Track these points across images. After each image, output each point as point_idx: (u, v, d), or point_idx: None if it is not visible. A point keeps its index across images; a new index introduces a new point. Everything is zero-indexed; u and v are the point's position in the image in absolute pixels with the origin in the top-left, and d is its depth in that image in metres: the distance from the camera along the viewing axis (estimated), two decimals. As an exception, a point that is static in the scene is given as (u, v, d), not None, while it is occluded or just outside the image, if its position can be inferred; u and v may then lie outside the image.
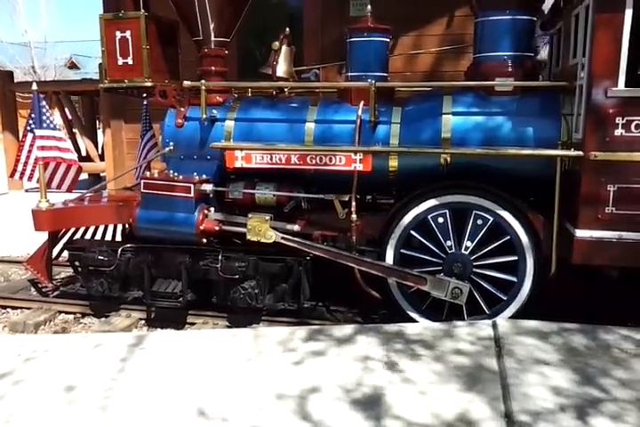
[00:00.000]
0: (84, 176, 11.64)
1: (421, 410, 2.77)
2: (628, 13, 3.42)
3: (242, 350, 3.49)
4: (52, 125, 4.81)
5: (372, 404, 2.84)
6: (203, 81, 4.49)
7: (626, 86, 3.51)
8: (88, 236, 5.26)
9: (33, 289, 5.50)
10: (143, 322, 4.84)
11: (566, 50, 4.21)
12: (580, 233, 3.67)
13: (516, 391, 2.89)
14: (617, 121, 3.53)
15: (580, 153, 3.63)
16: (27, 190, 10.23)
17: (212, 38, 4.63)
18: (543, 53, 5.45)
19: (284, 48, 4.62)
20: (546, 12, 4.81)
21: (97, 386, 3.07)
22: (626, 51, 3.46)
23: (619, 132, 3.54)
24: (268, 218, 4.28)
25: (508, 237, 4.00)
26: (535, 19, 4.20)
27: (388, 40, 4.43)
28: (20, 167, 4.88)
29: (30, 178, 4.96)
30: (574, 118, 3.82)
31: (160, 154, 4.86)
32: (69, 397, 2.98)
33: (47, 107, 4.90)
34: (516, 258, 4.01)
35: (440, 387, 2.97)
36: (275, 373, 3.17)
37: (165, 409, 2.84)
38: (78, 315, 5.02)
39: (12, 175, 5.02)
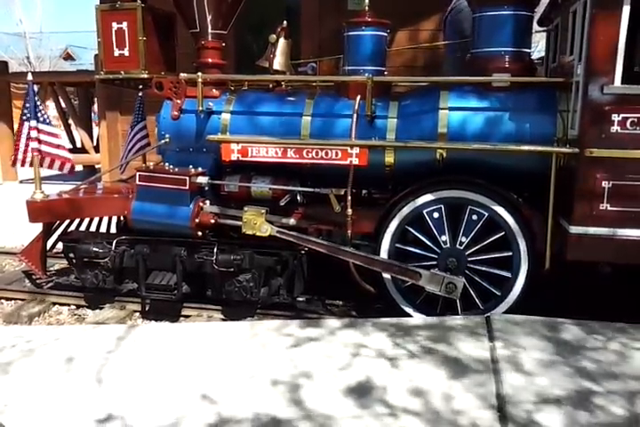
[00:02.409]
0: (79, 168, 11.63)
1: (413, 400, 2.79)
2: (626, 10, 3.42)
3: (239, 339, 3.51)
4: (47, 120, 4.80)
5: (363, 391, 2.87)
6: (199, 73, 4.48)
7: (622, 83, 3.51)
8: (83, 227, 5.26)
9: (27, 281, 5.48)
10: (138, 314, 4.84)
11: (563, 46, 4.22)
12: (575, 229, 3.69)
13: (509, 385, 2.91)
14: (613, 118, 3.54)
15: (576, 150, 3.64)
16: (21, 181, 10.18)
17: (209, 30, 4.61)
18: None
19: (281, 41, 4.60)
20: (543, 7, 4.81)
21: (94, 375, 3.08)
22: (623, 47, 3.47)
23: (614, 128, 3.55)
24: (263, 211, 4.27)
25: (503, 233, 4.02)
26: (532, 14, 4.21)
27: (385, 34, 4.42)
28: (20, 156, 4.86)
29: (29, 164, 4.95)
30: (570, 115, 3.83)
31: (155, 146, 4.85)
32: (64, 387, 2.99)
33: (40, 99, 4.87)
34: (510, 253, 4.03)
35: (433, 379, 2.99)
36: (270, 359, 3.21)
37: (169, 392, 2.86)
38: (72, 306, 5.01)
39: (13, 164, 5.00)
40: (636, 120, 3.51)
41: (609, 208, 3.62)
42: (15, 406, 2.83)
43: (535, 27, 4.80)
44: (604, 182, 3.60)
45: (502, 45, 4.09)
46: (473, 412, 2.70)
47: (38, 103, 4.79)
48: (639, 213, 3.59)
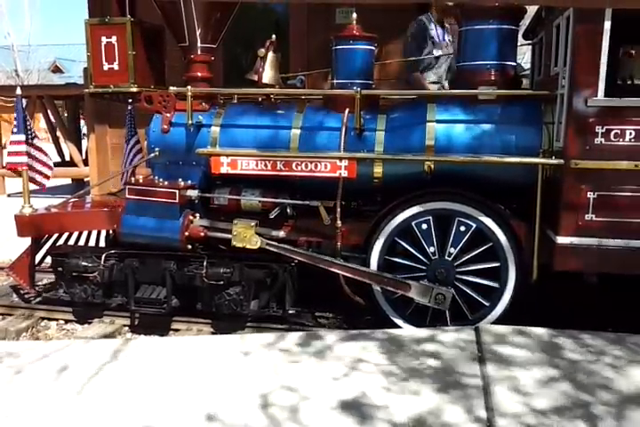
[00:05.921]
0: (67, 181, 11.58)
1: (402, 413, 2.79)
2: (607, 25, 3.49)
3: (229, 352, 3.50)
4: (33, 135, 4.79)
5: (353, 405, 2.87)
6: (189, 87, 4.50)
7: (605, 96, 3.58)
8: (72, 242, 5.23)
9: (15, 295, 5.43)
10: (127, 328, 4.81)
11: (548, 59, 4.29)
12: (561, 240, 3.73)
13: (497, 396, 2.91)
14: (597, 130, 3.60)
15: (561, 161, 3.69)
16: (9, 195, 10.12)
17: (199, 44, 4.64)
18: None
19: (270, 55, 4.64)
20: (528, 21, 4.89)
21: (85, 390, 3.05)
22: (605, 61, 3.53)
23: (598, 140, 3.60)
24: (253, 224, 4.28)
25: (491, 244, 4.05)
26: (517, 28, 4.28)
27: (373, 48, 4.47)
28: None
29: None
30: (555, 127, 3.89)
31: (145, 159, 4.86)
32: (48, 403, 2.96)
33: (27, 114, 4.86)
34: (498, 264, 4.06)
35: (422, 392, 2.99)
36: (261, 372, 3.19)
37: (162, 409, 2.84)
38: (61, 321, 4.97)
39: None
40: (619, 132, 3.57)
41: (594, 219, 3.67)
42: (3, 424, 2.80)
43: (520, 40, 4.88)
44: (588, 193, 3.65)
45: (488, 59, 4.15)
46: (462, 425, 2.71)
47: (27, 117, 4.79)
48: (624, 224, 3.64)
